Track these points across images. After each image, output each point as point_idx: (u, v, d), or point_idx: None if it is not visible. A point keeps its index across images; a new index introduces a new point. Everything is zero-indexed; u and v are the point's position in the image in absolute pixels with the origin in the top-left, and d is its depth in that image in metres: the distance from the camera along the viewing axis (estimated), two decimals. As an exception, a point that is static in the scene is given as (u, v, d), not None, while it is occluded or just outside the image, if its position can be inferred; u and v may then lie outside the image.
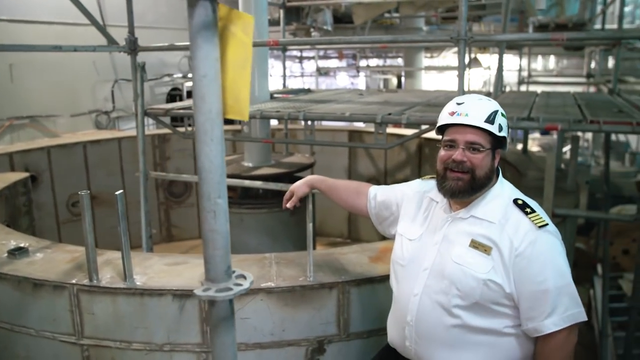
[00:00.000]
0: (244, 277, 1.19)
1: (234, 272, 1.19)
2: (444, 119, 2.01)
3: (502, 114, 1.99)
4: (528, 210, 1.93)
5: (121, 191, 2.61)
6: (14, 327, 2.89)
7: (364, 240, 6.96)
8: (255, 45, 4.59)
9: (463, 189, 1.94)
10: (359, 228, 7.72)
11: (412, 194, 2.24)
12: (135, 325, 2.72)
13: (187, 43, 4.64)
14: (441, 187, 2.00)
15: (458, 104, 1.99)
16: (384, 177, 7.38)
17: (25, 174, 5.42)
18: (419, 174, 7.04)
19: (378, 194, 2.37)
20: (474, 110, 1.94)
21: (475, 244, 1.92)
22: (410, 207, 2.20)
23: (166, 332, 2.71)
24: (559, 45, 9.71)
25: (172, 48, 4.68)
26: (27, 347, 2.90)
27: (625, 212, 7.01)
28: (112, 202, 6.42)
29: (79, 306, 2.75)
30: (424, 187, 2.23)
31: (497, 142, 1.98)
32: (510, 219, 1.92)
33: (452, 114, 1.97)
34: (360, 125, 11.10)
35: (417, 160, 7.14)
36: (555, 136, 12.74)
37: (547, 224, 1.89)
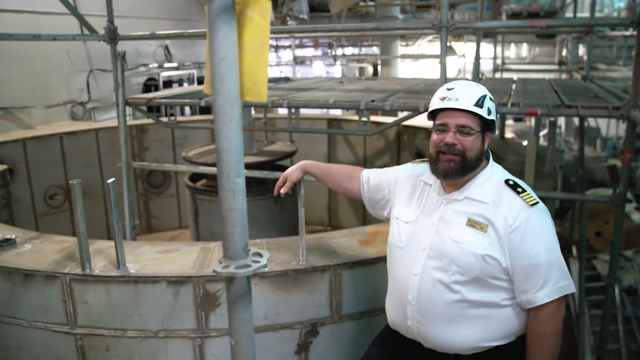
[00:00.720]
0: (260, 255, 1.22)
1: (249, 250, 1.22)
2: (435, 104, 2.08)
3: (491, 98, 2.06)
4: (519, 189, 2.03)
5: (113, 179, 2.61)
6: (4, 318, 2.87)
7: (344, 227, 7.03)
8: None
9: (455, 170, 2.02)
10: (339, 215, 7.79)
11: (405, 178, 2.31)
12: (130, 312, 2.73)
13: (169, 32, 4.62)
14: (434, 170, 2.08)
15: (448, 89, 2.07)
16: (364, 164, 7.44)
17: (2, 166, 5.33)
18: (397, 161, 7.13)
19: (371, 177, 2.43)
20: (464, 95, 2.02)
21: (471, 223, 2.01)
22: (405, 191, 2.27)
23: (161, 319, 2.73)
24: (533, 33, 9.89)
25: (153, 37, 4.65)
26: (19, 339, 2.88)
27: (599, 195, 7.20)
28: (90, 193, 6.45)
29: (71, 295, 2.74)
30: (417, 171, 2.29)
31: (487, 126, 2.06)
32: (503, 198, 2.01)
33: (443, 99, 2.05)
34: (337, 112, 11.15)
35: (396, 147, 7.22)
36: (528, 123, 12.99)
37: (537, 202, 2.00)
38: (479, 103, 2.01)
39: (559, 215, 8.09)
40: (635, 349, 4.97)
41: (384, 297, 2.35)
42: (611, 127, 11.95)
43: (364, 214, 7.53)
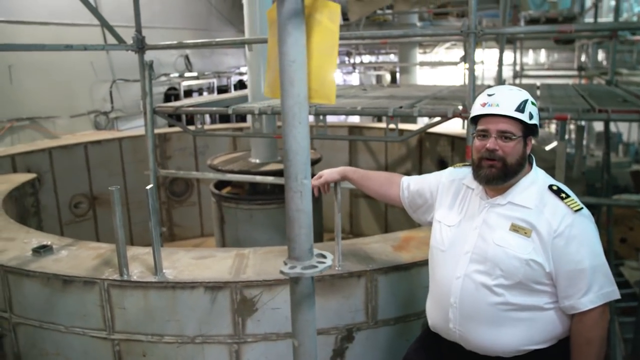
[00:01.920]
0: (324, 256, 1.23)
1: (314, 251, 1.23)
2: (476, 110, 2.09)
3: (533, 103, 2.06)
4: (563, 195, 2.02)
5: (152, 185, 2.64)
6: (42, 323, 2.92)
7: (365, 235, 7.02)
8: (259, 42, 4.61)
9: (497, 175, 2.02)
10: (361, 223, 7.79)
11: (447, 183, 2.31)
12: (167, 318, 2.75)
13: (195, 41, 4.67)
14: (477, 175, 2.08)
15: (489, 95, 2.07)
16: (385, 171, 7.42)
17: (32, 175, 5.41)
18: (420, 168, 7.12)
19: (411, 183, 2.44)
20: (505, 100, 2.02)
21: (515, 228, 2.01)
22: (447, 195, 2.28)
23: (198, 325, 2.75)
24: (555, 38, 9.86)
25: (179, 46, 4.70)
26: (57, 344, 2.92)
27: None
28: (116, 201, 6.50)
29: (109, 301, 2.77)
30: (459, 175, 2.30)
31: (529, 130, 2.05)
32: (548, 203, 2.01)
33: (484, 105, 2.05)
34: (355, 120, 11.14)
35: (418, 154, 7.21)
36: (547, 129, 12.90)
37: (582, 208, 2.00)
38: (520, 108, 2.01)
39: (583, 221, 7.98)
40: (668, 357, 4.89)
41: (419, 302, 2.35)
42: (633, 133, 11.83)
43: (385, 221, 7.53)
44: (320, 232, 5.62)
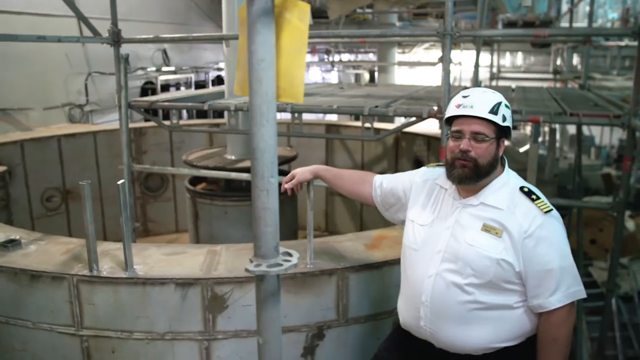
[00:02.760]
0: (290, 254, 1.24)
1: (280, 249, 1.24)
2: (451, 111, 2.12)
3: (506, 105, 2.10)
4: (534, 197, 2.07)
5: (124, 180, 2.62)
6: (9, 319, 2.86)
7: (340, 232, 7.05)
8: (237, 38, 4.60)
9: (469, 175, 2.06)
10: (336, 221, 7.80)
11: (421, 182, 2.33)
12: (137, 314, 2.73)
13: (172, 35, 4.63)
14: (450, 175, 2.12)
15: (464, 96, 2.11)
16: (361, 170, 7.45)
17: (2, 167, 5.31)
18: (396, 168, 7.16)
19: (384, 182, 2.46)
20: (479, 102, 2.05)
21: (487, 228, 2.05)
22: (420, 195, 2.30)
23: (168, 321, 2.73)
24: (530, 42, 9.99)
25: (156, 40, 4.67)
26: (24, 340, 2.87)
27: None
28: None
29: (78, 297, 2.74)
30: (432, 175, 2.32)
31: (502, 132, 2.09)
32: (519, 205, 2.05)
33: (459, 106, 2.08)
34: (333, 118, 11.15)
35: (394, 154, 7.26)
36: (522, 131, 13.08)
37: (551, 210, 2.05)
38: (494, 110, 2.04)
39: (554, 222, 8.11)
40: (632, 355, 5.02)
41: (390, 301, 2.38)
42: (605, 136, 12.07)
43: (360, 220, 7.56)
44: (296, 230, 5.63)
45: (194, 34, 4.75)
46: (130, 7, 8.99)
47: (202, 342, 2.76)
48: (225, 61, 5.30)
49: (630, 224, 8.05)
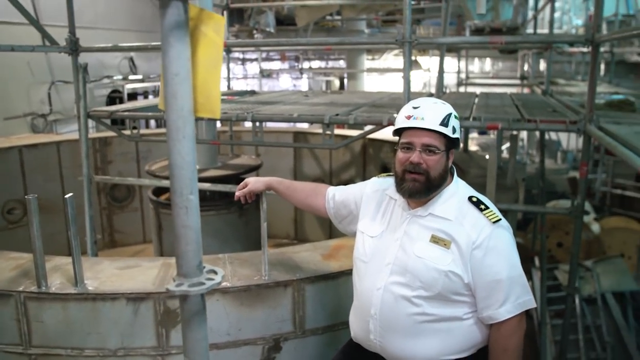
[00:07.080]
0: (215, 272, 1.21)
1: (204, 267, 1.20)
2: (400, 122, 2.08)
3: (455, 116, 2.08)
4: (482, 207, 2.05)
5: (71, 194, 2.55)
6: (-46, 339, 2.77)
7: (310, 240, 7.02)
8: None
9: (420, 189, 2.04)
10: (305, 229, 7.77)
11: (371, 193, 2.31)
12: (88, 331, 2.66)
13: (132, 44, 4.56)
14: (400, 188, 2.08)
15: (414, 107, 2.07)
16: (329, 178, 7.45)
17: (-43, 180, 5.15)
18: (363, 174, 7.17)
19: (337, 194, 2.44)
20: (430, 114, 2.03)
21: (435, 239, 2.02)
22: (370, 206, 2.28)
23: (120, 337, 2.67)
24: (495, 48, 10.14)
25: (115, 49, 4.59)
26: (-30, 360, 2.78)
27: (560, 207, 7.37)
28: (50, 208, 6.29)
29: (26, 314, 2.66)
30: (382, 186, 2.30)
31: (451, 143, 2.08)
32: (467, 215, 2.03)
33: (409, 117, 2.05)
34: (304, 126, 11.14)
35: (362, 161, 7.27)
36: (492, 136, 13.23)
37: (500, 219, 2.03)
38: (444, 122, 2.02)
39: (521, 226, 8.23)
40: (595, 358, 5.08)
41: (347, 311, 2.35)
42: (571, 140, 12.29)
43: (330, 227, 7.54)
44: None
45: (154, 43, 4.68)
46: (96, 15, 8.87)
47: (156, 357, 2.70)
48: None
49: (595, 227, 8.20)
